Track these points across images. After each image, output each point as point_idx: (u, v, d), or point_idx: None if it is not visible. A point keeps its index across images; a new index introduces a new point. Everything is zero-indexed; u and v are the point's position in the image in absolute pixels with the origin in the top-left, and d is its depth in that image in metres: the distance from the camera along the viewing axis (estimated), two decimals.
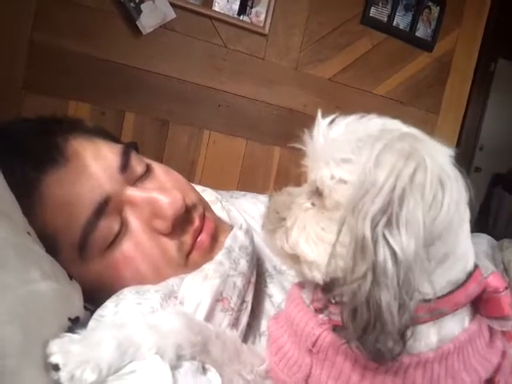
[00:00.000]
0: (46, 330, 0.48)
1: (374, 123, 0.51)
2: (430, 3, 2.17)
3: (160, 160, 0.86)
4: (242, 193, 1.11)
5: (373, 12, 2.07)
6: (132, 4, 1.61)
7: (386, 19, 2.11)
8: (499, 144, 4.39)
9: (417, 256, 0.42)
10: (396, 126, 0.51)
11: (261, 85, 1.94)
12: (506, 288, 0.52)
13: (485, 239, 1.18)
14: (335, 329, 0.51)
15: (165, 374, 0.47)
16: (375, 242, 0.42)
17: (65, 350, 0.45)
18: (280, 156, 1.99)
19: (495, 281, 0.52)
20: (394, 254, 0.41)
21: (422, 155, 0.44)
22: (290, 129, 2.02)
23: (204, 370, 0.54)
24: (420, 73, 2.24)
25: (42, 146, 0.66)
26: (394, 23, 2.12)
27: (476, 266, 0.52)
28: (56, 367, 0.44)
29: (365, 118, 0.52)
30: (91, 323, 0.55)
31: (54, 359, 0.44)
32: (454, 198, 0.45)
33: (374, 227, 0.42)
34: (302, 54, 1.99)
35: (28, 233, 0.56)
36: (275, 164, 1.99)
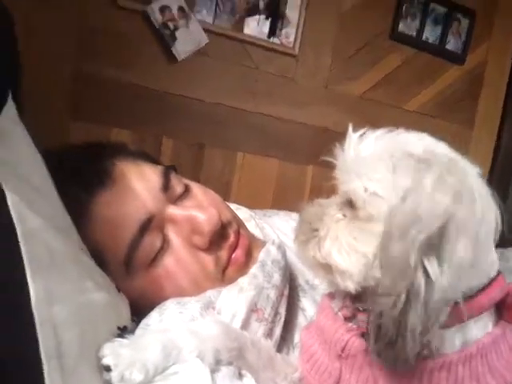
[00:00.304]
0: (99, 335, 0.53)
1: (405, 139, 0.53)
2: (459, 15, 2.16)
3: (197, 182, 0.90)
4: (276, 211, 1.14)
5: (401, 27, 2.08)
6: (167, 31, 1.67)
7: (415, 33, 2.11)
8: None
9: (450, 288, 0.44)
10: (428, 144, 0.53)
11: (292, 105, 1.97)
12: None
13: None
14: (364, 335, 0.53)
15: (205, 376, 0.51)
16: (416, 268, 0.44)
17: (116, 352, 0.50)
18: (313, 175, 2.01)
19: None
20: (430, 282, 0.43)
21: (473, 195, 0.47)
22: (322, 147, 2.01)
23: (240, 376, 0.57)
24: (451, 86, 2.22)
25: (90, 169, 0.72)
26: (424, 37, 2.12)
27: (499, 272, 0.53)
28: (108, 368, 0.49)
29: (393, 133, 0.54)
30: (138, 331, 0.61)
31: (106, 361, 0.49)
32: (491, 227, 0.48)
33: (419, 255, 0.44)
34: (331, 73, 2.01)
35: (81, 249, 0.61)
36: (308, 182, 2.00)
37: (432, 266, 0.44)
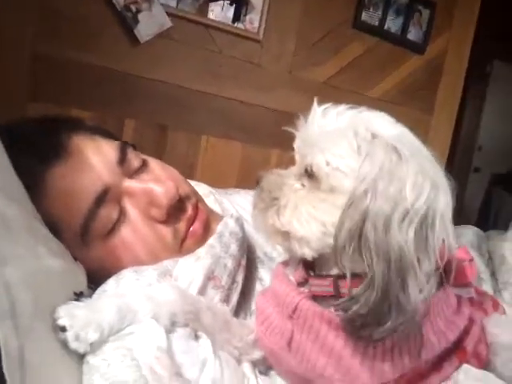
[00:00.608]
0: (54, 299, 0.54)
1: (368, 118, 0.56)
2: (420, 6, 2.22)
3: None
4: (237, 190, 1.16)
5: (364, 16, 2.12)
6: (129, 14, 1.67)
7: (377, 23, 2.16)
8: (497, 144, 4.44)
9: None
10: (393, 130, 0.56)
11: (256, 89, 1.99)
12: (472, 260, 0.57)
13: (471, 230, 1.23)
14: (315, 298, 0.56)
15: (160, 336, 0.53)
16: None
17: (71, 314, 0.51)
18: (277, 158, 2.04)
19: (461, 253, 0.57)
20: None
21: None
22: (286, 132, 2.05)
23: (196, 337, 0.59)
24: (413, 75, 2.28)
25: (47, 142, 0.72)
26: (386, 27, 2.17)
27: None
28: (63, 329, 0.50)
29: (356, 110, 0.57)
30: (94, 296, 0.61)
31: (61, 322, 0.50)
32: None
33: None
34: (295, 59, 2.04)
35: (35, 218, 0.62)
36: (272, 166, 2.02)
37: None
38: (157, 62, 1.77)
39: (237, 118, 1.97)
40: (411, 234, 0.47)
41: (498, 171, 4.47)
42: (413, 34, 2.23)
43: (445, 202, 0.50)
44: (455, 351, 0.56)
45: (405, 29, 2.20)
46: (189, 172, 1.85)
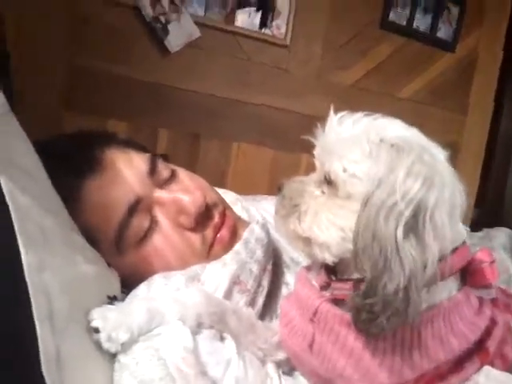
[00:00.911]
0: (89, 302, 0.58)
1: (381, 124, 0.58)
2: (449, 4, 2.18)
3: (193, 172, 0.95)
4: (265, 196, 1.19)
5: (392, 16, 2.11)
6: (159, 25, 1.72)
7: (405, 22, 2.14)
8: None
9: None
10: (401, 131, 0.58)
11: (285, 95, 2.01)
12: (493, 262, 0.57)
13: (504, 232, 1.21)
14: (337, 302, 0.58)
15: (186, 337, 0.56)
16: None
17: (104, 316, 0.55)
18: (307, 163, 2.05)
19: (482, 255, 0.57)
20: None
21: (443, 179, 0.52)
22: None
23: (222, 339, 0.62)
24: (443, 74, 2.24)
25: (81, 156, 0.77)
26: (414, 26, 2.14)
27: (464, 243, 0.57)
28: (96, 330, 0.54)
29: (371, 117, 0.59)
30: (127, 300, 0.65)
31: (94, 323, 0.54)
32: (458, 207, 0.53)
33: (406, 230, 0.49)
34: (323, 63, 2.05)
35: (72, 229, 0.66)
36: (302, 171, 2.04)
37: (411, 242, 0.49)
38: (187, 71, 1.82)
39: (267, 124, 1.99)
40: (400, 231, 0.49)
41: None
42: (442, 32, 2.19)
43: (437, 199, 0.50)
44: (477, 352, 0.56)
45: (434, 27, 2.17)
46: (220, 179, 1.89)
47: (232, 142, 1.95)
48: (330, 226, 0.57)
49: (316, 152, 0.64)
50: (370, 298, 0.49)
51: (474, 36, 2.27)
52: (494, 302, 0.62)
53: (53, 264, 0.53)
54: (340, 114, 0.61)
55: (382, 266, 0.49)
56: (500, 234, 1.20)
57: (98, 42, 1.65)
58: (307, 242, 0.60)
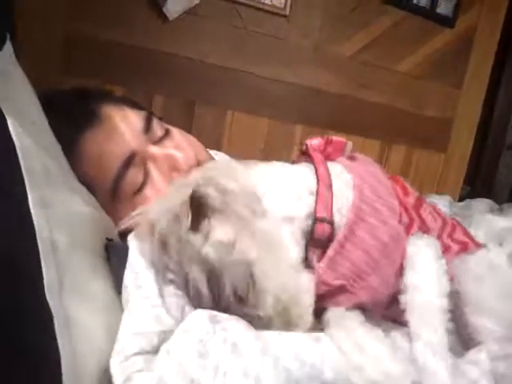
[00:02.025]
0: (89, 238, 0.63)
1: None
2: None
3: None
4: (257, 161, 1.22)
5: None
6: None
7: None
8: None
9: None
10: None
11: (282, 65, 2.01)
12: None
13: (484, 202, 1.25)
14: None
15: None
16: None
17: None
18: (301, 134, 2.07)
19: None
20: None
21: None
22: (313, 107, 2.10)
23: None
24: (442, 49, 2.24)
25: (79, 110, 0.82)
26: (415, 0, 2.13)
27: None
28: None
29: None
30: None
31: None
32: None
33: None
34: (322, 34, 2.04)
35: (71, 175, 0.72)
36: (297, 141, 2.07)
37: None
38: (184, 38, 1.82)
39: (262, 93, 2.00)
40: None
41: None
42: (442, 8, 2.18)
43: None
44: None
45: (434, 2, 2.15)
46: (214, 147, 1.89)
47: (227, 109, 1.97)
48: None
49: None
50: None
51: (473, 13, 2.27)
52: None
53: (54, 201, 0.56)
54: None
55: None
56: (480, 204, 1.24)
57: (96, 7, 1.65)
58: None
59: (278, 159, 0.81)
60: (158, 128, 0.86)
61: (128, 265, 0.61)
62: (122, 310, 0.58)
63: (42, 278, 0.47)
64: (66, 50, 1.65)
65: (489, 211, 1.20)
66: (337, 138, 0.73)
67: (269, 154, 2.03)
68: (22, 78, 0.72)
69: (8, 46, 0.71)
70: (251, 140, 2.02)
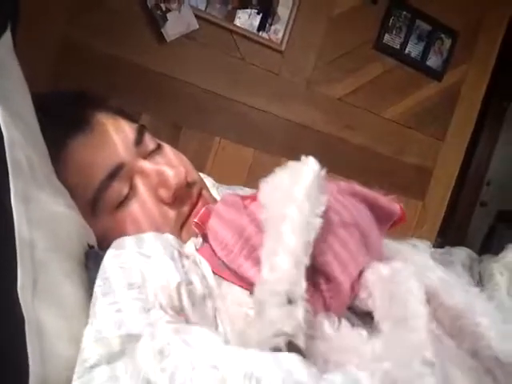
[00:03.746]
0: (70, 242, 0.59)
1: None
2: (442, 35, 2.26)
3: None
4: (241, 187, 1.21)
5: (386, 39, 2.17)
6: (159, 12, 1.72)
7: (398, 46, 2.20)
8: (507, 181, 4.43)
9: None
10: None
11: (273, 98, 2.04)
12: None
13: (464, 251, 1.25)
14: None
15: None
16: None
17: None
18: None
19: None
20: None
21: None
22: (298, 142, 2.12)
23: None
24: (428, 100, 2.31)
25: (72, 115, 0.78)
26: (406, 51, 2.21)
27: None
28: None
29: None
30: None
31: None
32: None
33: None
34: (314, 73, 2.08)
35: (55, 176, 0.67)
36: None
37: None
38: (180, 62, 1.83)
39: (251, 124, 2.02)
40: None
41: (504, 208, 4.46)
42: (432, 61, 2.27)
43: None
44: None
45: (425, 55, 2.24)
46: (199, 170, 1.89)
47: (214, 136, 1.97)
48: None
49: None
50: None
51: (461, 68, 2.36)
52: None
53: (37, 198, 0.53)
54: None
55: None
56: (460, 252, 1.23)
57: (97, 18, 1.65)
58: None
59: None
60: (149, 142, 0.84)
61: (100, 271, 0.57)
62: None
63: (16, 277, 0.44)
64: (59, 56, 1.63)
65: (469, 262, 1.20)
66: None
67: (251, 185, 2.01)
68: (18, 73, 0.69)
69: (7, 36, 0.67)
70: (235, 168, 2.02)
